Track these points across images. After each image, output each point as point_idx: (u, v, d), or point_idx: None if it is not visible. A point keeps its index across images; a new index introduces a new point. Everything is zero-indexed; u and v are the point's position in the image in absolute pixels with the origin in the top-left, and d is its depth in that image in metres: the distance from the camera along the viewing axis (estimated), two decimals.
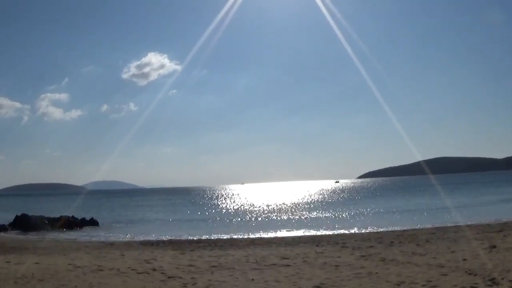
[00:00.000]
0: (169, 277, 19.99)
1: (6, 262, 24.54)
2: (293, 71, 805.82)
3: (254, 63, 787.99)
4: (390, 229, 44.99)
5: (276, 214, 74.85)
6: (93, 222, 63.35)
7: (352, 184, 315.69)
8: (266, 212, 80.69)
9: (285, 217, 67.05)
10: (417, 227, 44.79)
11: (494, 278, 17.00)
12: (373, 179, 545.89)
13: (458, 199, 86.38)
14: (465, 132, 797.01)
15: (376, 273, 19.57)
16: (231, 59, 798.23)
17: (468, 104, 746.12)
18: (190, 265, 23.20)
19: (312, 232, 45.42)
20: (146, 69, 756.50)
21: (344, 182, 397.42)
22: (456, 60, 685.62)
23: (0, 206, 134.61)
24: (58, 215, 64.85)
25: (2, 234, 53.63)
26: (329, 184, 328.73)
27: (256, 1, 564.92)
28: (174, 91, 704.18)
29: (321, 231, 46.57)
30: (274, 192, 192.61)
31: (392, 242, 30.87)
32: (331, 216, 65.73)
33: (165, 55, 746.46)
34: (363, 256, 24.63)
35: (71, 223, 60.80)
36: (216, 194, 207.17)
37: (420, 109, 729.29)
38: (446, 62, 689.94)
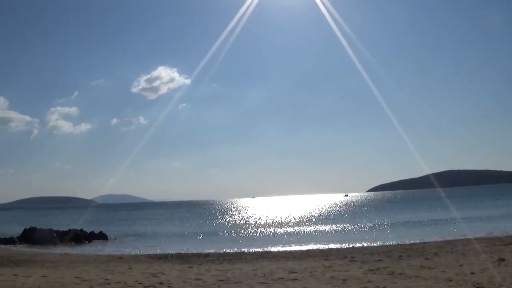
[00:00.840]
0: None
1: (14, 275, 24.57)
2: (302, 84, 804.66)
3: (263, 77, 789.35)
4: (398, 242, 44.80)
5: (284, 227, 74.63)
6: (101, 236, 63.36)
7: (361, 198, 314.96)
8: (274, 225, 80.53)
9: (293, 231, 66.87)
10: (425, 241, 44.61)
11: None
12: (382, 192, 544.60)
13: (467, 212, 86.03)
14: (475, 144, 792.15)
15: (384, 287, 19.49)
16: (241, 73, 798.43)
17: (477, 116, 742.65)
18: (197, 279, 23.16)
19: (321, 246, 45.26)
20: (156, 83, 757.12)
21: (353, 196, 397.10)
22: (465, 72, 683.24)
23: (9, 219, 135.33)
24: (66, 229, 64.95)
25: (10, 247, 53.77)
26: (338, 198, 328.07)
27: (265, 15, 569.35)
28: (184, 104, 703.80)
29: (330, 245, 46.39)
30: (284, 206, 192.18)
31: (400, 256, 30.78)
32: (340, 230, 65.57)
33: (175, 69, 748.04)
34: (371, 270, 24.54)
35: (80, 237, 60.83)
36: (225, 208, 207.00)
37: (429, 121, 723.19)
38: (455, 74, 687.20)
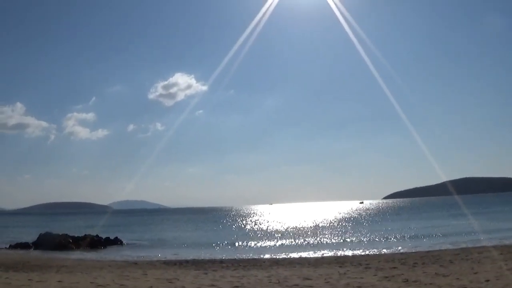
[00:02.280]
0: None
1: (29, 280, 24.71)
2: (318, 91, 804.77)
3: (279, 84, 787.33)
4: (413, 250, 44.66)
5: (299, 234, 74.38)
6: (117, 241, 63.59)
7: (377, 205, 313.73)
8: (289, 232, 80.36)
9: (308, 238, 66.61)
10: (441, 248, 44.39)
11: None
12: (398, 199, 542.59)
13: (483, 220, 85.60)
14: (491, 152, 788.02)
15: None
16: (257, 80, 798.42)
17: (494, 123, 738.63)
18: (212, 285, 23.18)
19: (335, 253, 45.17)
20: (173, 90, 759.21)
21: (369, 203, 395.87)
22: (483, 79, 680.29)
23: (24, 224, 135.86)
24: (82, 234, 65.26)
25: (26, 252, 54.07)
26: (353, 205, 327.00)
27: (281, 22, 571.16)
28: (201, 111, 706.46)
29: (344, 251, 46.30)
30: (300, 213, 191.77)
31: (415, 263, 30.69)
32: (355, 237, 65.25)
33: (192, 76, 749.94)
34: (386, 277, 24.48)
35: (95, 242, 61.06)
36: (241, 214, 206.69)
37: (446, 129, 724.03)
38: (472, 81, 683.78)
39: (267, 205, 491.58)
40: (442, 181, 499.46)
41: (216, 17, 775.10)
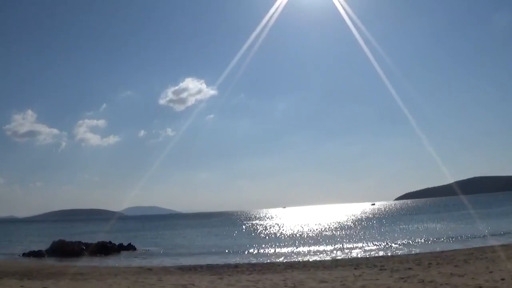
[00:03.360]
0: None
1: (43, 287, 24.80)
2: (328, 95, 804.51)
3: (290, 88, 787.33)
4: (428, 250, 44.61)
5: (312, 237, 74.31)
6: (130, 248, 63.76)
7: (389, 206, 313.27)
8: (303, 235, 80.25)
9: (322, 241, 66.56)
10: (455, 248, 44.31)
11: None
12: (409, 200, 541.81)
13: (496, 219, 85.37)
14: (499, 151, 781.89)
15: None
16: (268, 84, 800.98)
17: (501, 122, 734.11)
18: None
19: (350, 255, 45.13)
20: (184, 95, 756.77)
21: (380, 204, 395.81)
22: (487, 79, 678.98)
23: (38, 232, 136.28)
24: (95, 241, 65.33)
25: (39, 260, 54.19)
26: (365, 207, 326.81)
27: (290, 27, 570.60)
28: (211, 116, 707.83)
29: (359, 253, 46.27)
30: (313, 216, 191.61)
31: (430, 264, 30.65)
32: (368, 239, 65.14)
33: (203, 80, 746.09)
34: (402, 278, 24.45)
35: (109, 249, 61.17)
36: (255, 218, 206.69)
37: (454, 129, 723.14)
38: (477, 81, 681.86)
39: (281, 209, 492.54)
40: (453, 181, 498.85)
41: (225, 22, 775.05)
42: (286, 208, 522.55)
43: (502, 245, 40.47)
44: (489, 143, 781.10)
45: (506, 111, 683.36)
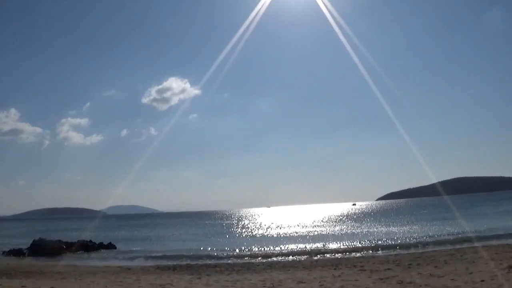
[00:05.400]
0: None
1: (22, 286, 24.65)
2: (311, 94, 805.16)
3: (273, 87, 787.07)
4: (407, 251, 44.73)
5: (293, 237, 74.34)
6: (110, 246, 63.66)
7: (370, 207, 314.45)
8: (284, 235, 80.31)
9: (303, 240, 66.52)
10: (435, 249, 44.39)
11: None
12: (391, 201, 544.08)
13: (478, 220, 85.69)
14: (484, 151, 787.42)
15: None
16: (251, 83, 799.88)
17: (485, 122, 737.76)
18: None
19: (329, 255, 45.09)
20: (167, 94, 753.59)
21: (362, 204, 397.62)
22: (472, 78, 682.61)
23: (18, 231, 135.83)
24: (75, 239, 65.14)
25: (19, 258, 53.89)
26: (346, 207, 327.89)
27: (274, 27, 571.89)
28: (195, 115, 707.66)
29: (338, 254, 46.23)
30: (294, 216, 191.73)
31: (410, 264, 30.69)
32: (348, 239, 65.18)
33: (186, 80, 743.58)
34: (381, 279, 24.43)
35: (89, 247, 61.06)
36: (237, 218, 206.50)
37: (437, 129, 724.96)
38: (461, 80, 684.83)
39: (265, 208, 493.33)
40: (436, 181, 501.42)
41: (210, 21, 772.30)
42: (271, 207, 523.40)
43: (483, 246, 40.55)
44: (473, 144, 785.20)
45: (491, 112, 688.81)
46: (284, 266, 35.72)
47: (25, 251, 59.07)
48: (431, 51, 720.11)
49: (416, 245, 50.65)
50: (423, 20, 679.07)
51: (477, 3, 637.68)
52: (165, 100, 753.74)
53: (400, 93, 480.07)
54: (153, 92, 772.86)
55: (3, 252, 59.93)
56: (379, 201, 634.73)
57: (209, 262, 43.12)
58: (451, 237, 56.62)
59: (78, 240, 64.26)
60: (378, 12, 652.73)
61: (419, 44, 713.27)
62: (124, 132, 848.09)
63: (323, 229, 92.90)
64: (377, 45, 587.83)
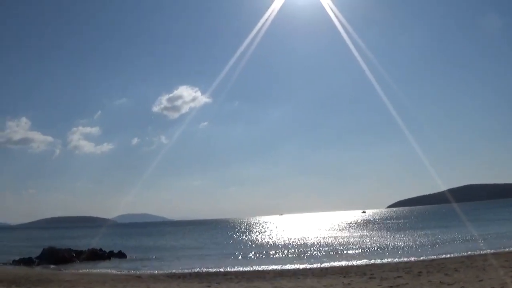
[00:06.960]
0: None
1: None
2: (321, 102, 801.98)
3: (284, 95, 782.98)
4: (418, 258, 44.51)
5: (303, 245, 74.20)
6: (120, 255, 63.53)
7: (379, 214, 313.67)
8: (294, 243, 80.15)
9: (312, 248, 66.43)
10: (445, 256, 44.19)
11: None
12: (400, 208, 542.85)
13: (487, 227, 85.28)
14: (493, 158, 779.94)
15: None
16: (262, 91, 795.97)
17: (494, 129, 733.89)
18: None
19: (339, 263, 44.94)
20: (178, 102, 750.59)
21: (371, 212, 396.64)
22: (481, 86, 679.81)
23: (29, 239, 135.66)
24: (85, 248, 65.13)
25: (29, 267, 53.89)
26: (356, 215, 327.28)
27: (282, 35, 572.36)
28: (205, 123, 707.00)
29: (348, 262, 46.07)
30: (305, 223, 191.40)
31: (420, 272, 30.53)
32: (358, 247, 65.05)
33: (197, 88, 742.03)
34: (391, 286, 24.36)
35: (99, 256, 61.03)
36: (248, 226, 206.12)
37: (446, 136, 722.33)
38: (470, 87, 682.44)
39: (277, 216, 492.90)
40: (446, 188, 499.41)
41: (220, 30, 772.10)
42: (283, 215, 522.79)
43: (493, 254, 40.39)
44: (482, 151, 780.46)
45: (499, 119, 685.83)
46: (294, 273, 35.61)
47: (35, 260, 59.00)
48: (438, 58, 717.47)
49: (426, 252, 50.53)
50: (432, 27, 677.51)
51: (485, 11, 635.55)
52: (176, 109, 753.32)
53: (409, 101, 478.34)
54: (163, 100, 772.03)
55: (13, 261, 59.81)
56: (388, 208, 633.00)
57: (219, 270, 42.96)
58: (461, 245, 56.49)
59: (88, 249, 64.21)
60: (386, 20, 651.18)
61: (427, 51, 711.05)
62: (135, 140, 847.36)
63: (333, 236, 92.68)
64: (385, 53, 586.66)
